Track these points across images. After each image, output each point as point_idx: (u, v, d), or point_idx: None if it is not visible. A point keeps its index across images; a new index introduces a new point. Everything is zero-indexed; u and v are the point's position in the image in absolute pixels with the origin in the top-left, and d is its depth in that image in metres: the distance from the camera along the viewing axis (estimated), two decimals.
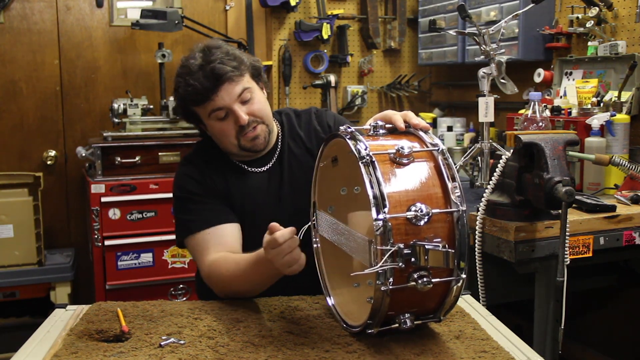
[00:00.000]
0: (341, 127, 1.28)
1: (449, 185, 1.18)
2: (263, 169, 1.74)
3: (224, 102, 1.61)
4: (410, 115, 1.35)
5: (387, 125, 1.33)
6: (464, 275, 1.17)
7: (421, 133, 1.29)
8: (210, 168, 1.71)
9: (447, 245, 1.14)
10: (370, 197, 1.13)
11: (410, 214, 1.14)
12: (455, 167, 1.22)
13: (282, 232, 1.28)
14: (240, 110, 1.62)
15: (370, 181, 1.14)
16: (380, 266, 1.11)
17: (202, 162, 1.72)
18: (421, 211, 1.14)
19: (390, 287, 1.12)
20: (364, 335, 1.26)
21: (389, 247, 1.11)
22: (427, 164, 1.22)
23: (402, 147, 1.20)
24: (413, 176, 1.19)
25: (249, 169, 1.74)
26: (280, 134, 1.78)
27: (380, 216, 1.11)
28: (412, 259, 1.12)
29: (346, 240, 1.27)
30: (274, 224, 1.30)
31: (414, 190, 1.18)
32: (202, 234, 1.62)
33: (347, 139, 1.24)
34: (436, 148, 1.23)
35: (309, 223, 1.45)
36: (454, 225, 1.16)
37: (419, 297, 1.18)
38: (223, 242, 1.61)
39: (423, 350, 1.21)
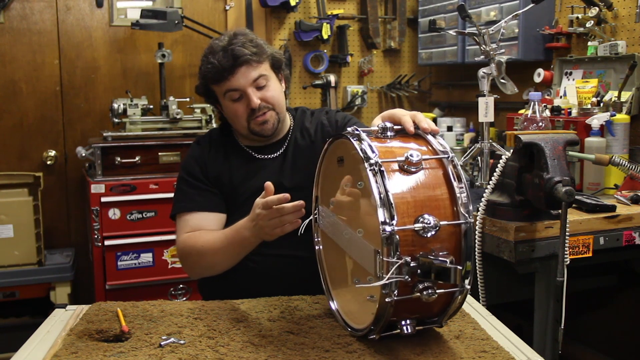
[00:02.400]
0: (349, 129, 1.26)
1: (458, 195, 1.16)
2: (269, 156, 1.80)
3: (238, 84, 1.69)
4: (419, 117, 1.32)
5: (396, 127, 1.30)
6: (468, 286, 1.16)
7: (430, 137, 1.27)
8: (216, 151, 1.81)
9: (454, 260, 1.11)
10: (378, 206, 1.10)
11: (418, 226, 1.12)
12: None
13: (276, 196, 1.37)
14: (253, 94, 1.70)
15: (379, 191, 1.11)
16: (387, 279, 1.09)
17: (210, 145, 1.83)
18: (429, 223, 1.12)
19: (395, 298, 1.11)
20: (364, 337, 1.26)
21: (395, 260, 1.09)
22: (436, 173, 1.19)
23: (411, 155, 1.17)
24: (421, 185, 1.17)
25: (256, 155, 1.81)
26: (291, 127, 1.85)
27: (388, 228, 1.09)
28: (418, 271, 1.11)
29: (350, 244, 1.26)
30: (268, 184, 1.40)
31: (422, 200, 1.15)
32: (188, 215, 1.74)
33: (354, 142, 1.21)
34: (446, 156, 1.20)
35: (311, 217, 1.46)
36: (461, 237, 1.14)
37: (422, 305, 1.17)
38: (202, 225, 1.72)
39: (423, 350, 1.21)
